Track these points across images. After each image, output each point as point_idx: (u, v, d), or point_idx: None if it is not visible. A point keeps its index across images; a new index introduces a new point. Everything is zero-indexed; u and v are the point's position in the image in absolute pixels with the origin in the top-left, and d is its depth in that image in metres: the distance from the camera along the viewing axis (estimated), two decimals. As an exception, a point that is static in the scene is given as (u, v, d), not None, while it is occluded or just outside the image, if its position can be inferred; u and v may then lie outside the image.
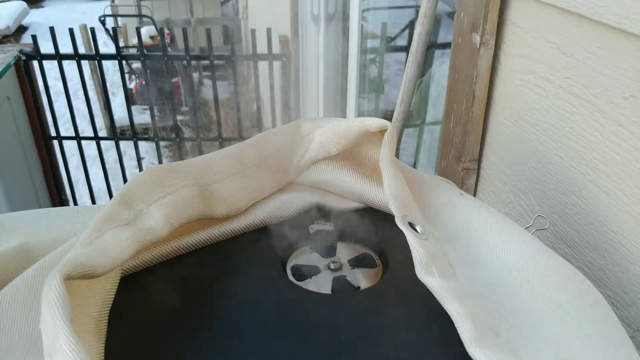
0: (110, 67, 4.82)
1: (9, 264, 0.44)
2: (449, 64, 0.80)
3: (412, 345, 0.37)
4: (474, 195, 0.82)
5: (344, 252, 0.48)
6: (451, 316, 0.36)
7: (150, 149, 4.00)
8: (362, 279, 0.45)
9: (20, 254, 0.45)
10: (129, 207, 0.42)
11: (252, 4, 4.26)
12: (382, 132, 0.47)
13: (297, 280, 0.44)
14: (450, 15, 1.29)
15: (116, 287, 0.41)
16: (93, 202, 2.64)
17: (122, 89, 2.48)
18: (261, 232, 0.49)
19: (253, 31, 2.29)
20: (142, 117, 3.98)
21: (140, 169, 2.57)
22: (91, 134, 2.42)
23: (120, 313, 0.39)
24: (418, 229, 0.42)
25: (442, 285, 0.37)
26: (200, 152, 2.47)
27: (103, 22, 4.46)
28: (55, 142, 2.40)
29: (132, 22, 4.81)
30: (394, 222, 0.42)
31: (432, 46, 1.56)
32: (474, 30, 0.71)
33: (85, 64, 2.39)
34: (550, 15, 0.59)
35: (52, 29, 2.15)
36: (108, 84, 2.50)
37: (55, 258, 0.42)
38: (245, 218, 0.49)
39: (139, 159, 2.53)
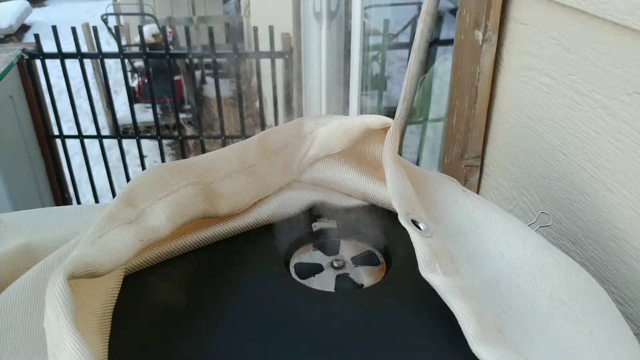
0: (113, 66, 4.83)
1: (13, 263, 0.44)
2: (451, 61, 0.80)
3: (415, 343, 0.37)
4: (477, 193, 0.82)
5: (347, 250, 0.48)
6: (455, 314, 0.36)
7: (153, 147, 4.00)
8: (365, 276, 0.45)
9: (24, 253, 0.45)
10: (132, 205, 0.42)
11: (254, 2, 4.26)
12: (385, 129, 0.47)
13: (301, 278, 0.44)
14: (453, 11, 1.28)
15: (120, 286, 0.41)
16: (96, 200, 2.65)
17: (124, 87, 2.48)
18: (264, 230, 0.49)
19: (255, 29, 2.29)
20: (144, 115, 3.98)
21: (143, 167, 2.57)
22: (94, 133, 2.42)
23: (123, 312, 0.39)
24: (421, 226, 0.41)
25: (445, 283, 0.37)
26: (203, 150, 2.47)
27: (105, 21, 4.47)
28: (58, 141, 2.41)
29: (135, 21, 4.81)
30: (397, 219, 0.42)
31: (434, 43, 1.56)
32: (476, 27, 0.71)
33: (87, 62, 2.40)
34: (552, 11, 0.59)
35: (54, 28, 2.15)
36: (110, 83, 2.50)
37: (58, 257, 0.42)
38: (248, 216, 0.49)
39: (141, 157, 2.53)
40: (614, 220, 0.52)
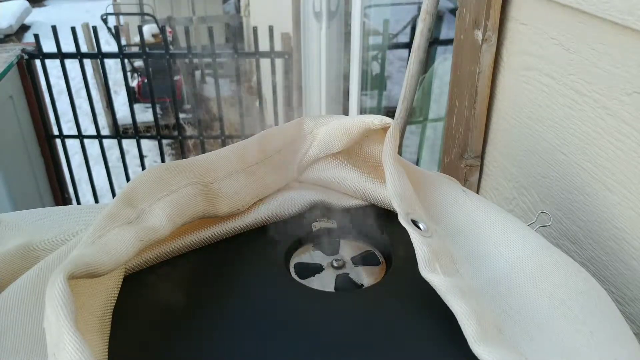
0: (113, 66, 4.83)
1: (13, 263, 0.44)
2: (451, 61, 0.80)
3: (415, 343, 0.37)
4: (477, 192, 0.82)
5: (347, 250, 0.48)
6: (455, 314, 0.36)
7: (152, 147, 4.00)
8: (365, 276, 0.45)
9: (24, 253, 0.45)
10: (132, 205, 0.42)
11: (253, 2, 4.26)
12: (385, 129, 0.47)
13: (300, 278, 0.44)
14: (453, 11, 1.28)
15: (119, 286, 0.41)
16: (96, 200, 2.65)
17: (124, 87, 2.48)
18: (264, 230, 0.49)
19: (255, 29, 2.29)
20: (144, 115, 3.98)
21: (143, 167, 2.57)
22: (94, 133, 2.42)
23: (123, 312, 0.39)
24: (421, 226, 0.41)
25: (445, 283, 0.37)
26: (203, 150, 2.47)
27: (105, 21, 4.47)
28: (58, 141, 2.41)
29: (134, 21, 4.81)
30: (397, 219, 0.41)
31: (434, 43, 1.56)
32: (476, 26, 0.71)
33: (87, 62, 2.40)
34: (552, 11, 0.59)
35: (54, 28, 2.15)
36: (110, 83, 2.50)
37: (58, 257, 0.42)
38: (248, 216, 0.49)
39: (141, 157, 2.53)
40: (614, 220, 0.52)
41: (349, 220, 0.50)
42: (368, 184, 0.51)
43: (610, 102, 0.51)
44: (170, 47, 2.59)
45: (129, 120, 2.58)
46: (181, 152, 2.56)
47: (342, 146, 0.50)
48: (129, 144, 3.04)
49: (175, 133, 2.52)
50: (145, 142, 3.73)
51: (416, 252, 0.39)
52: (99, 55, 2.28)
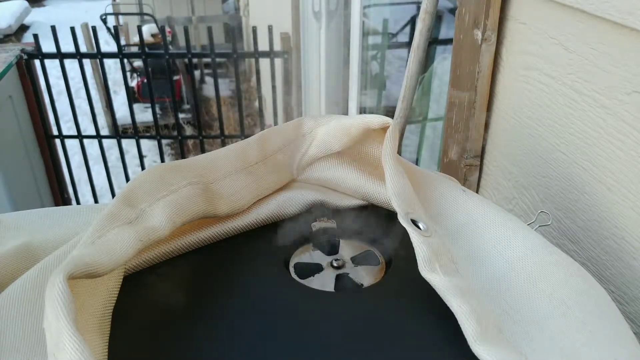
0: (112, 66, 4.83)
1: (12, 263, 0.44)
2: (450, 60, 0.80)
3: (415, 343, 0.37)
4: (477, 192, 0.82)
5: (347, 250, 0.48)
6: (455, 314, 0.36)
7: (152, 147, 4.00)
8: (365, 276, 0.45)
9: (24, 253, 0.45)
10: (132, 206, 0.42)
11: (253, 2, 4.26)
12: (384, 129, 0.47)
13: (300, 278, 0.44)
14: (452, 11, 1.28)
15: (119, 286, 0.41)
16: (95, 200, 2.65)
17: (123, 87, 2.48)
18: (264, 230, 0.49)
19: (254, 28, 2.29)
20: (144, 115, 3.98)
21: (143, 167, 2.57)
22: (93, 133, 2.42)
23: (123, 312, 0.39)
24: (421, 226, 0.41)
25: (445, 282, 0.37)
26: (202, 150, 2.47)
27: (104, 21, 4.47)
28: (58, 141, 2.41)
29: (134, 21, 4.81)
30: (397, 219, 0.41)
31: (434, 42, 1.56)
32: (475, 26, 0.71)
33: (87, 62, 2.40)
34: (552, 11, 0.59)
35: (53, 28, 2.15)
36: (110, 83, 2.50)
37: (58, 257, 0.42)
38: (247, 216, 0.49)
39: (141, 157, 2.53)
40: (614, 220, 0.52)
41: (349, 220, 0.50)
42: (368, 184, 0.51)
43: (609, 101, 0.51)
44: (170, 47, 2.59)
45: (129, 120, 2.58)
46: (181, 152, 2.56)
47: (341, 146, 0.50)
48: (129, 144, 3.03)
49: (175, 133, 2.52)
50: (144, 142, 3.73)
51: (416, 251, 0.39)
52: (99, 55, 2.28)
